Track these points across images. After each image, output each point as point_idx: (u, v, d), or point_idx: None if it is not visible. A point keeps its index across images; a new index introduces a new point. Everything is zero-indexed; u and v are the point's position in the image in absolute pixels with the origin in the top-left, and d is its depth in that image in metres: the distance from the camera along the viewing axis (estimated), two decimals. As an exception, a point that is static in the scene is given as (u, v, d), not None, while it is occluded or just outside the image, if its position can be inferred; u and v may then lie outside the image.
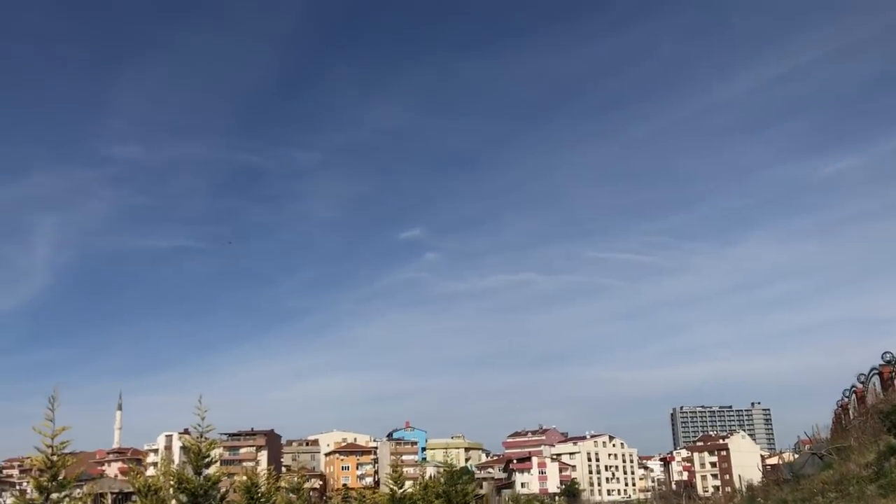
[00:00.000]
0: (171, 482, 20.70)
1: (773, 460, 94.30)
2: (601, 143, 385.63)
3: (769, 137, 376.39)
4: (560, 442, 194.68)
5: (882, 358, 24.00)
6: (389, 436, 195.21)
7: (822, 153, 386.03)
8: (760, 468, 49.87)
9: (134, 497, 21.66)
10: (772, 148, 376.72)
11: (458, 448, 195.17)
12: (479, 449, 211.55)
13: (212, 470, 20.56)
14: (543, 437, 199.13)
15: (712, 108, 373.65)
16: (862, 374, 26.56)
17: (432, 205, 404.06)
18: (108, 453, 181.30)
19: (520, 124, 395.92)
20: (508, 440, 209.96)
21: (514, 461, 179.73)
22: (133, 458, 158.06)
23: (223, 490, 20.66)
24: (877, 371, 24.61)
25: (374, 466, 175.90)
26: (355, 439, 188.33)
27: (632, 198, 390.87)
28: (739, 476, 61.53)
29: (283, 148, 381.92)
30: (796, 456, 36.12)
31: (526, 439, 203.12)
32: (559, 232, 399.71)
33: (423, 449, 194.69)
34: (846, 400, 30.33)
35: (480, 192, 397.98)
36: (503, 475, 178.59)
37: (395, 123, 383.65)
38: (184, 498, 19.83)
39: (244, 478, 25.18)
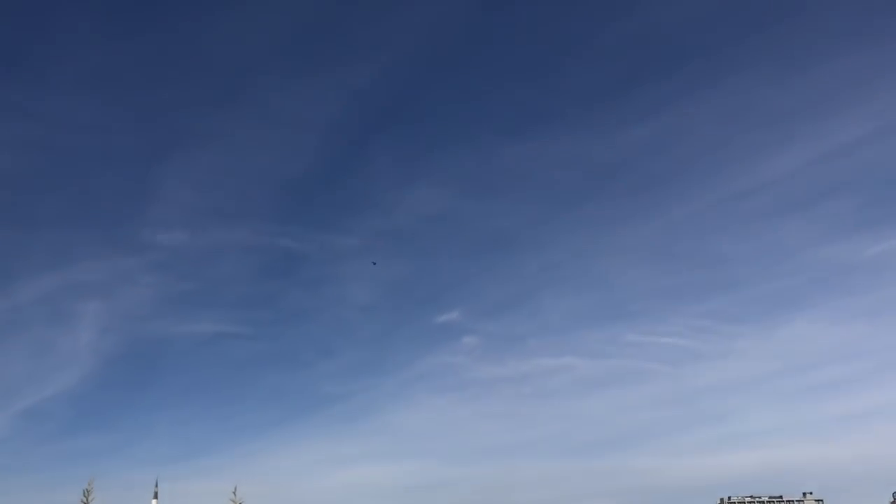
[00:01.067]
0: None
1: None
2: (640, 224, 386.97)
3: (812, 217, 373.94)
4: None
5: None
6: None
7: (868, 233, 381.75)
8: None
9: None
10: (816, 228, 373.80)
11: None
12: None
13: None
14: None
15: (753, 189, 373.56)
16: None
17: (469, 287, 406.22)
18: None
19: (558, 206, 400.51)
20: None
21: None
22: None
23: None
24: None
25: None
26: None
27: (673, 280, 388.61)
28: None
29: (323, 233, 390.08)
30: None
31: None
32: (600, 314, 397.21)
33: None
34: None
35: (519, 273, 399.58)
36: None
37: (433, 207, 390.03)
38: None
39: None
